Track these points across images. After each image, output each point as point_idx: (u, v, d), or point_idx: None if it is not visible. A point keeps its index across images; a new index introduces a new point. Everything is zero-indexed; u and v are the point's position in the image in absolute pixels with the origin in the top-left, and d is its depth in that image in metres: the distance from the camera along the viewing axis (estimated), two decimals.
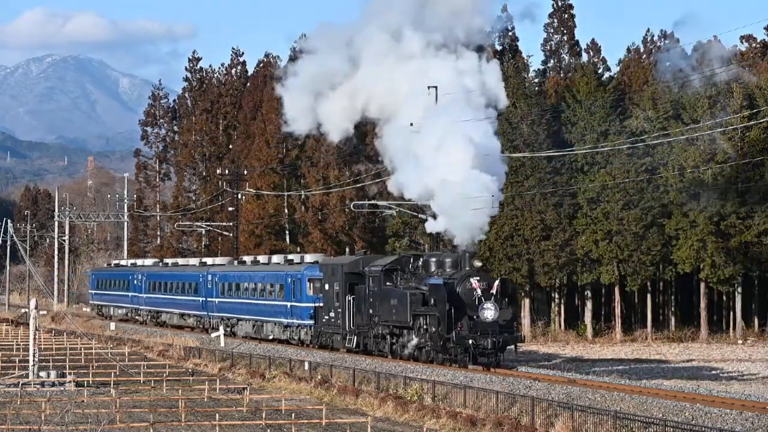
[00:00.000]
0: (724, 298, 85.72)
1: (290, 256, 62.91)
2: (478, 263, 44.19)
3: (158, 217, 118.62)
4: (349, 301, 49.94)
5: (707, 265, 76.52)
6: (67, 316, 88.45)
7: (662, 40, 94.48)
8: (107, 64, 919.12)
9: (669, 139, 73.81)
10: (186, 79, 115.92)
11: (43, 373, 45.72)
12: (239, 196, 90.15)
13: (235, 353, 55.19)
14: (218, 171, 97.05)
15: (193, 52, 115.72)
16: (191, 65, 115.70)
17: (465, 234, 45.18)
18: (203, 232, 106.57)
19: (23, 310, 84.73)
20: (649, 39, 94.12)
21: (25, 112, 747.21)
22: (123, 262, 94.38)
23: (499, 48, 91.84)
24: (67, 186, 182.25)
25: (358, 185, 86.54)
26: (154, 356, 59.61)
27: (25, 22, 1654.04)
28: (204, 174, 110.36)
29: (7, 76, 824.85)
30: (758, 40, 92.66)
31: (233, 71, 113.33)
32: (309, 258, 59.97)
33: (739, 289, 79.53)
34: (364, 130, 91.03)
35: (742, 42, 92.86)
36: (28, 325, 50.04)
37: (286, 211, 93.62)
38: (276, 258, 64.31)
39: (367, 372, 43.91)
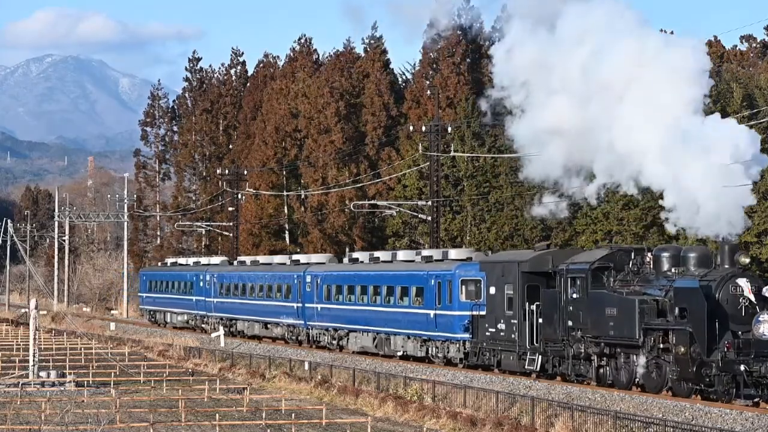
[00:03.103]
0: None
1: (426, 252, 50.82)
2: (744, 259, 33.44)
3: (158, 217, 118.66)
4: (531, 309, 39.83)
5: None
6: (67, 316, 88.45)
7: None
8: (107, 64, 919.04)
9: None
10: (186, 79, 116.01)
11: (43, 373, 45.75)
12: (239, 196, 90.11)
13: (235, 353, 55.22)
14: (218, 171, 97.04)
15: (193, 52, 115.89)
16: (191, 65, 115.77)
17: (719, 220, 33.96)
18: (203, 232, 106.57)
19: (23, 310, 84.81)
20: None
21: (25, 112, 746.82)
22: (182, 261, 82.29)
23: None
24: (67, 186, 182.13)
25: (357, 185, 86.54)
26: (154, 356, 59.64)
27: (35, 21, 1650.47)
28: (204, 174, 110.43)
29: (7, 76, 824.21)
30: (758, 40, 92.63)
31: (233, 71, 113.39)
32: (455, 254, 48.32)
33: None
34: (364, 130, 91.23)
35: (742, 42, 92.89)
36: (28, 325, 50.05)
37: (285, 211, 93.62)
38: (402, 254, 52.89)
39: (367, 372, 43.91)
